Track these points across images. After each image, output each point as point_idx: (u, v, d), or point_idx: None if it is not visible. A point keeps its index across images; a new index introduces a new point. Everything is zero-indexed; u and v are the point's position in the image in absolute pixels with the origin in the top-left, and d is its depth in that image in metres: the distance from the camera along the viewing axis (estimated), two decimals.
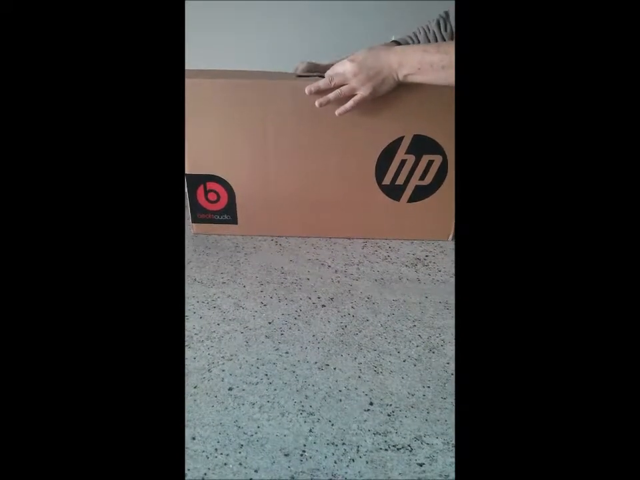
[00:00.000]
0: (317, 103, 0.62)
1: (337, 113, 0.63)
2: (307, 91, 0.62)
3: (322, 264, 0.71)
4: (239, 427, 0.43)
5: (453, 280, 0.67)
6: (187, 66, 0.63)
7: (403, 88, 0.63)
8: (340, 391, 0.48)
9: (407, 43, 0.75)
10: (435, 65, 0.55)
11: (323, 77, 0.62)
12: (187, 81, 0.64)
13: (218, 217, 0.77)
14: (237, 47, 1.01)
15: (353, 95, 0.61)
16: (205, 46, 0.92)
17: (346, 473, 0.39)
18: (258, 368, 0.50)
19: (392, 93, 0.63)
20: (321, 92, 0.62)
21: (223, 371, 0.50)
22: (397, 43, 0.76)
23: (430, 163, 0.70)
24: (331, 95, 0.61)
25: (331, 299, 0.63)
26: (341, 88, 0.60)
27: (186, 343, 0.54)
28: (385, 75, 0.58)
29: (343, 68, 0.60)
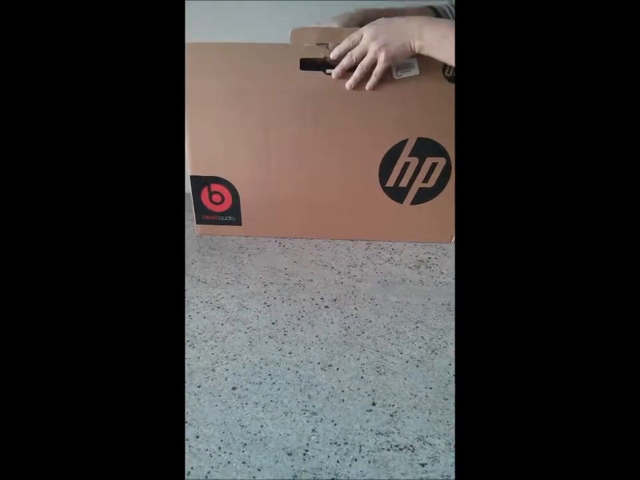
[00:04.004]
0: (347, 86, 0.62)
1: (367, 88, 0.62)
2: (333, 75, 0.62)
3: (325, 265, 0.72)
4: (243, 425, 0.44)
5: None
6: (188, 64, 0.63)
7: (406, 91, 0.63)
8: (343, 391, 0.48)
9: (444, 11, 0.70)
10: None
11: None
12: (191, 82, 0.64)
13: (222, 218, 0.78)
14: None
15: (374, 68, 0.60)
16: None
17: (348, 472, 0.40)
18: (261, 368, 0.51)
19: (396, 96, 0.63)
20: (346, 71, 0.61)
21: (227, 370, 0.50)
22: (433, 9, 0.70)
23: (433, 165, 0.70)
24: (356, 73, 0.61)
25: (334, 300, 0.63)
26: (362, 63, 0.60)
27: (190, 343, 0.54)
28: (403, 41, 0.57)
29: (359, 34, 0.59)
